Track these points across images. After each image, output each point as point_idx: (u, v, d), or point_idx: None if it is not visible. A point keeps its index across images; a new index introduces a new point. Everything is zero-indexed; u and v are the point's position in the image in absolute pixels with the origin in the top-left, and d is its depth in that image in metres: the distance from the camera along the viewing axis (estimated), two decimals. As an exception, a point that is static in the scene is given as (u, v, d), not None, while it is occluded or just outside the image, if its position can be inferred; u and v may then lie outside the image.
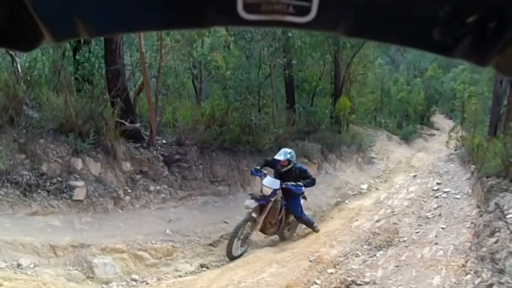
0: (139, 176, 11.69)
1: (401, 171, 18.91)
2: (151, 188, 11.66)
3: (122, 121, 11.79)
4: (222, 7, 0.77)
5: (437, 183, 13.47)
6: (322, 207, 13.28)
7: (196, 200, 12.23)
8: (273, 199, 10.00)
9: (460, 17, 0.75)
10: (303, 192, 10.66)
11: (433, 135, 33.26)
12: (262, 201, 9.90)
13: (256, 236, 10.20)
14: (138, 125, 12.58)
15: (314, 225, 11.07)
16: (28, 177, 9.45)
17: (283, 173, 10.34)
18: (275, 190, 9.95)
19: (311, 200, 11.43)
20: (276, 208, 10.19)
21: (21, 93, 10.43)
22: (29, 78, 10.95)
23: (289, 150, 10.55)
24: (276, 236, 10.99)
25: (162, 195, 11.71)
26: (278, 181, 10.05)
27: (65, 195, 9.72)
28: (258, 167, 10.61)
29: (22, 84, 10.65)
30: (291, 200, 10.45)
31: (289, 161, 10.32)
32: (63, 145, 10.46)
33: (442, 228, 9.50)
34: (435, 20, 0.76)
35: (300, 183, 10.16)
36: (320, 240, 9.81)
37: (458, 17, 0.75)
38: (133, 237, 9.32)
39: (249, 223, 9.89)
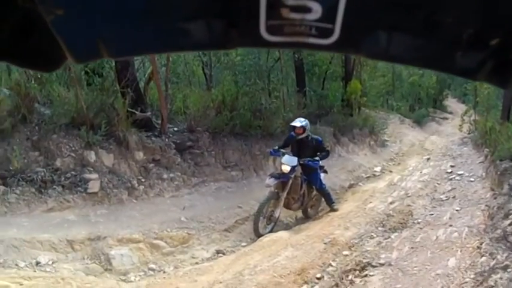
0: (152, 165, 11.56)
1: (414, 154, 18.59)
2: (165, 176, 11.52)
3: (133, 111, 11.64)
4: (245, 30, 0.76)
5: (451, 166, 13.19)
6: (336, 190, 13.02)
7: (210, 186, 12.07)
8: (292, 176, 10.10)
9: (484, 40, 0.74)
10: (322, 166, 10.88)
11: (446, 118, 32.71)
12: (283, 178, 10.02)
13: (281, 212, 10.20)
14: (149, 113, 12.44)
15: (333, 203, 11.15)
16: (43, 173, 9.37)
17: (301, 144, 10.52)
18: (293, 167, 10.05)
19: (325, 183, 11.12)
20: (296, 184, 10.31)
21: (33, 91, 10.33)
22: (39, 76, 10.76)
23: (303, 119, 10.66)
24: (296, 214, 11.15)
25: (175, 183, 11.57)
26: (295, 158, 10.15)
27: (79, 188, 9.64)
28: (277, 147, 10.75)
29: (33, 82, 10.56)
30: (310, 175, 10.58)
31: (304, 129, 10.40)
32: (76, 139, 10.37)
33: (456, 210, 9.31)
34: (459, 43, 0.75)
35: (316, 158, 10.37)
36: (334, 223, 9.67)
37: (481, 40, 0.74)
38: (148, 226, 9.25)
39: (272, 200, 10.01)
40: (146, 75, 13.65)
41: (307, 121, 10.56)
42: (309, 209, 11.20)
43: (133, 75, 12.15)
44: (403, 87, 33.91)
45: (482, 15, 0.73)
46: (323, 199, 11.23)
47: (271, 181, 10.01)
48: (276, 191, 10.06)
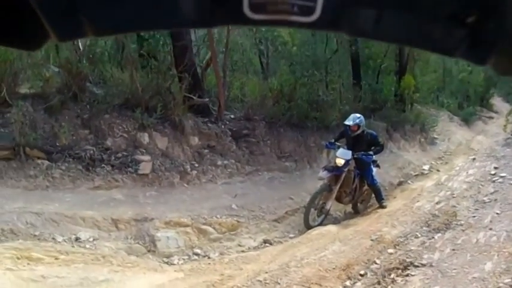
0: (206, 151, 11.36)
1: (461, 153, 17.96)
2: (219, 162, 11.30)
3: (190, 96, 11.47)
4: (228, 7, 0.73)
5: (495, 168, 12.63)
6: (385, 186, 12.59)
7: (263, 176, 11.75)
8: (346, 169, 9.85)
9: (460, 18, 0.73)
10: (375, 161, 10.61)
11: (492, 117, 31.45)
12: (336, 171, 9.76)
13: (332, 205, 9.92)
14: (206, 100, 12.28)
15: (383, 200, 10.81)
16: (92, 151, 9.33)
17: (355, 139, 10.21)
18: (348, 161, 9.78)
19: (376, 178, 10.84)
20: (349, 177, 10.06)
21: (85, 70, 10.31)
22: (91, 56, 10.82)
23: (358, 115, 10.31)
24: (345, 209, 10.90)
25: (229, 170, 11.32)
26: (350, 152, 9.87)
27: (129, 169, 9.56)
28: (332, 140, 10.56)
29: (84, 61, 10.54)
30: (363, 169, 10.31)
31: (358, 126, 10.07)
32: (129, 120, 10.30)
33: (497, 213, 9.01)
34: (437, 21, 0.75)
35: (370, 152, 10.07)
36: (382, 220, 9.43)
37: (458, 18, 0.73)
38: (198, 211, 9.06)
39: (325, 193, 9.74)
40: (204, 61, 13.47)
41: (361, 117, 10.27)
42: (359, 204, 10.95)
43: (191, 60, 11.96)
44: (453, 83, 32.75)
45: None
46: (373, 194, 10.96)
47: (324, 174, 9.76)
48: (328, 183, 9.76)
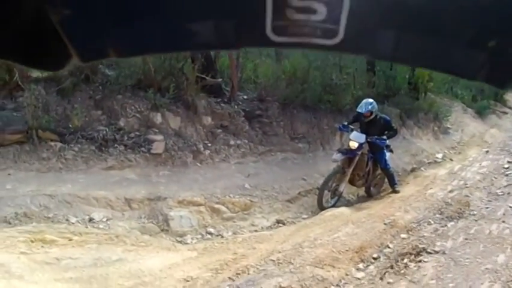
0: (219, 131, 11.31)
1: (474, 145, 17.83)
2: (232, 142, 11.23)
3: (203, 76, 11.38)
4: (251, 30, 0.74)
5: (508, 162, 12.52)
6: (399, 172, 12.46)
7: (276, 156, 11.67)
8: (359, 152, 9.81)
9: (482, 42, 0.73)
10: (389, 146, 10.47)
11: (506, 113, 31.02)
12: (350, 154, 9.75)
13: (345, 188, 9.88)
14: (219, 80, 12.18)
15: (395, 185, 10.69)
16: (104, 132, 9.33)
17: (369, 124, 10.09)
18: (361, 144, 9.74)
19: (389, 163, 10.78)
20: (363, 160, 10.00)
21: None
22: None
23: (370, 100, 10.17)
24: (358, 192, 10.80)
25: (242, 150, 11.26)
26: (364, 135, 9.82)
27: (142, 149, 9.54)
28: (346, 123, 10.39)
29: None
30: (376, 153, 10.22)
31: (371, 112, 9.96)
32: (142, 100, 10.27)
33: (510, 207, 8.93)
34: (458, 45, 0.74)
35: (384, 137, 9.96)
36: (395, 204, 9.37)
37: (480, 42, 0.73)
38: (211, 190, 9.07)
39: (338, 175, 9.75)
40: None
41: (374, 103, 10.12)
42: (372, 188, 10.83)
43: None
44: (468, 76, 32.64)
45: (480, 17, 0.72)
46: (386, 179, 10.86)
47: (338, 156, 9.74)
48: (342, 166, 9.77)
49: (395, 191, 10.46)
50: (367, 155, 10.08)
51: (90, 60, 0.83)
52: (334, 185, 9.66)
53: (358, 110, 10.00)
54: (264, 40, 0.72)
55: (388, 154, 10.48)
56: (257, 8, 0.70)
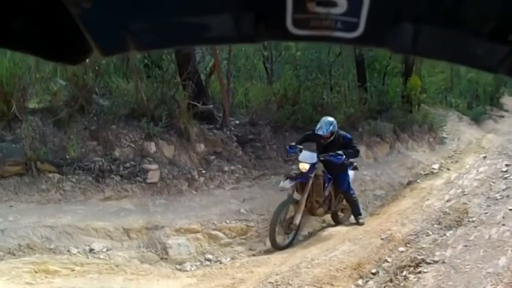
0: (213, 157, 11.45)
1: (471, 151, 17.99)
2: (226, 168, 11.37)
3: (195, 103, 11.54)
4: (272, 23, 0.75)
5: (506, 165, 12.73)
6: (395, 186, 12.63)
7: (271, 180, 11.68)
8: (312, 175, 8.67)
9: (503, 35, 0.73)
10: (352, 163, 9.56)
11: (502, 116, 31.32)
12: (301, 179, 8.66)
13: (302, 218, 8.94)
14: (211, 106, 12.38)
15: (360, 215, 9.58)
16: (100, 163, 9.45)
17: (327, 145, 9.05)
18: (313, 164, 8.64)
19: (384, 179, 11.28)
20: (318, 184, 8.86)
21: (90, 82, 10.43)
22: (97, 67, 10.85)
23: (330, 119, 9.23)
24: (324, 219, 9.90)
25: (236, 175, 11.39)
26: (315, 154, 8.77)
27: (138, 178, 9.66)
28: (293, 144, 9.26)
29: (90, 73, 10.58)
30: (336, 174, 9.16)
31: (331, 133, 9.03)
32: (136, 130, 10.41)
33: (510, 209, 9.01)
34: (480, 38, 0.75)
35: (340, 152, 8.75)
36: (392, 219, 9.47)
37: (501, 35, 0.73)
38: (207, 217, 9.16)
39: (291, 206, 8.73)
40: (208, 68, 13.59)
41: (334, 122, 9.16)
42: (339, 213, 9.87)
43: (194, 68, 12.08)
44: (461, 84, 32.73)
45: (502, 9, 0.72)
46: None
47: (286, 183, 8.66)
48: (295, 195, 8.82)
49: (358, 223, 9.38)
50: (324, 177, 8.96)
51: (110, 54, 0.88)
52: (287, 217, 8.62)
53: (318, 131, 9.01)
54: (284, 33, 0.74)
55: (352, 175, 9.58)
56: (278, 1, 0.72)
